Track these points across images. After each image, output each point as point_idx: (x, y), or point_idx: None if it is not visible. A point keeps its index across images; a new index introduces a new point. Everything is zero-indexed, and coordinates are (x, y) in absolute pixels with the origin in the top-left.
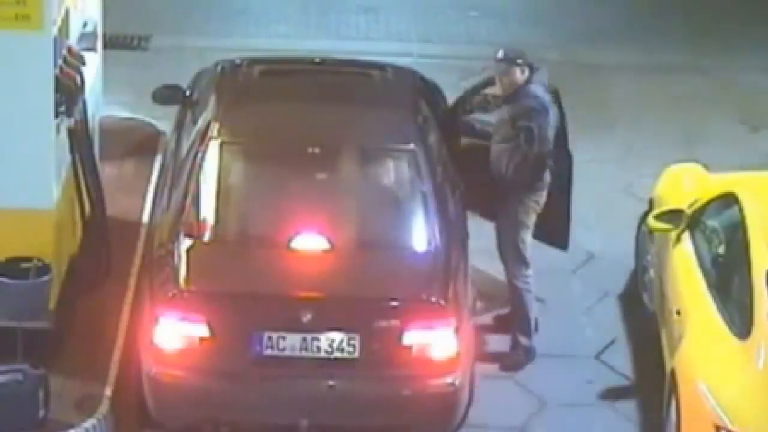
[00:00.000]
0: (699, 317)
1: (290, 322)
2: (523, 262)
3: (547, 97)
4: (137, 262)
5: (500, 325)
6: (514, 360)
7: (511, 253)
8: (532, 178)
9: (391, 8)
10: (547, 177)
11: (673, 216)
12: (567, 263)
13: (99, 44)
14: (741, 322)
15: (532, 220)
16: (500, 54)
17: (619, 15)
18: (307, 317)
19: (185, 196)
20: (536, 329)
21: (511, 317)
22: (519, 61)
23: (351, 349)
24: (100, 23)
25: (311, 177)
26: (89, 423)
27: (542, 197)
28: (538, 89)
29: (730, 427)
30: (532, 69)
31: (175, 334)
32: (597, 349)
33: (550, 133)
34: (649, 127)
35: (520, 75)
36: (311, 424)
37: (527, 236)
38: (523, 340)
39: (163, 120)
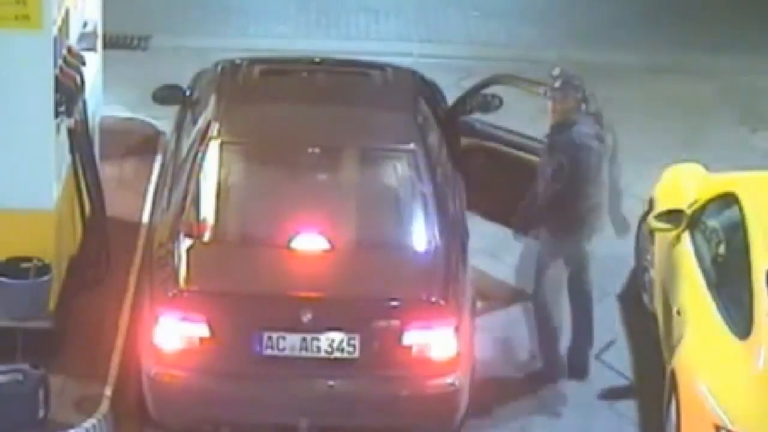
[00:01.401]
0: (699, 317)
1: (290, 322)
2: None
3: (592, 131)
4: (137, 262)
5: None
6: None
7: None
8: (548, 213)
9: (391, 8)
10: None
11: (673, 216)
12: None
13: (99, 44)
14: (741, 322)
15: (559, 251)
16: (558, 81)
17: (619, 15)
18: (307, 317)
19: (185, 196)
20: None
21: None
22: (576, 83)
23: (351, 349)
24: (100, 23)
25: (311, 177)
26: (89, 423)
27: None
28: (586, 122)
29: (730, 427)
30: (585, 98)
31: (175, 334)
32: (597, 349)
33: (589, 170)
34: (649, 127)
35: (574, 103)
36: (311, 424)
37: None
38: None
39: (163, 120)
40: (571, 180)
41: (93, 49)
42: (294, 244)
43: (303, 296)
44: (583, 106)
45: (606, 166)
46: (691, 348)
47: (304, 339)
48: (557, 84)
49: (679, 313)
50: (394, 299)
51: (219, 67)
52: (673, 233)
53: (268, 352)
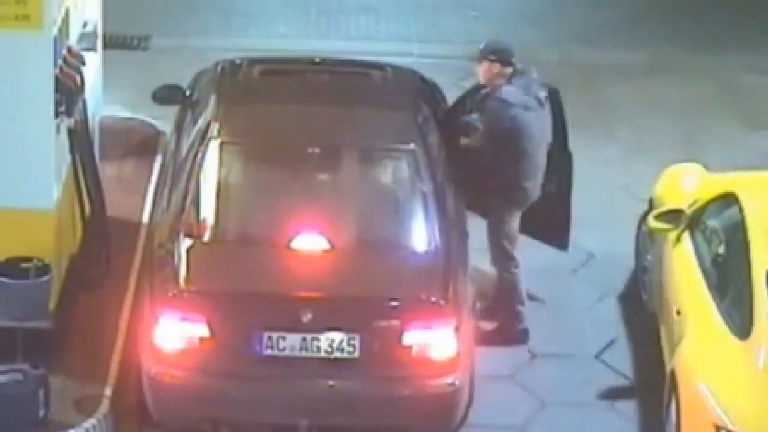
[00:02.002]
0: (699, 317)
1: (290, 322)
2: (506, 254)
3: (521, 100)
4: (137, 262)
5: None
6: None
7: (493, 246)
8: (475, 176)
9: (391, 8)
10: (517, 178)
11: (673, 216)
12: (567, 263)
13: (99, 44)
14: (741, 322)
15: (513, 215)
16: (482, 45)
17: (619, 15)
18: (307, 317)
19: (185, 196)
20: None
21: (499, 305)
22: (491, 57)
23: (351, 349)
24: (100, 23)
25: (311, 177)
26: (89, 423)
27: (516, 196)
28: (511, 93)
29: (730, 427)
30: (515, 70)
31: (175, 334)
32: (597, 349)
33: (518, 135)
34: (649, 127)
35: (495, 70)
36: (311, 424)
37: (511, 228)
38: (516, 324)
39: (163, 120)
40: (495, 144)
41: (93, 49)
42: (294, 244)
43: (303, 296)
44: (510, 76)
45: (542, 134)
46: (691, 348)
47: (304, 339)
48: (481, 46)
49: (679, 313)
50: (394, 299)
51: (219, 67)
52: (673, 233)
53: (268, 352)
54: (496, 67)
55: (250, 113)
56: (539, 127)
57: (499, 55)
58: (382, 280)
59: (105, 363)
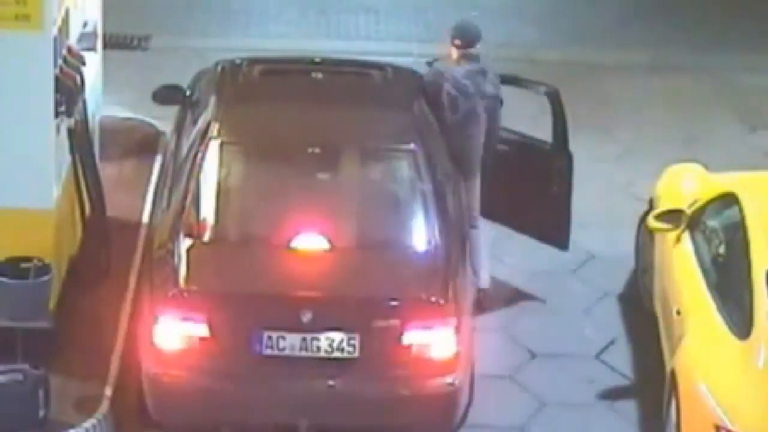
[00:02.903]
0: (699, 317)
1: (290, 322)
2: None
3: (464, 84)
4: (137, 262)
5: None
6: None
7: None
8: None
9: (391, 8)
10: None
11: (673, 216)
12: (567, 263)
13: (99, 44)
14: (741, 322)
15: (476, 181)
16: (470, 29)
17: (619, 15)
18: (307, 317)
19: (185, 196)
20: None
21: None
22: (456, 41)
23: (351, 348)
24: (100, 23)
25: (311, 177)
26: (89, 423)
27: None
28: (458, 72)
29: (730, 427)
30: (467, 53)
31: (175, 334)
32: (597, 349)
33: (472, 119)
34: (649, 127)
35: (453, 51)
36: (311, 424)
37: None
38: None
39: (163, 120)
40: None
41: (93, 49)
42: (294, 244)
43: (303, 296)
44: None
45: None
46: (691, 348)
47: (304, 339)
48: (477, 38)
49: (679, 313)
50: (393, 299)
51: (219, 67)
52: (673, 233)
53: (268, 351)
54: (456, 49)
55: (250, 113)
56: (474, 108)
57: (463, 38)
58: (382, 280)
59: (105, 363)
